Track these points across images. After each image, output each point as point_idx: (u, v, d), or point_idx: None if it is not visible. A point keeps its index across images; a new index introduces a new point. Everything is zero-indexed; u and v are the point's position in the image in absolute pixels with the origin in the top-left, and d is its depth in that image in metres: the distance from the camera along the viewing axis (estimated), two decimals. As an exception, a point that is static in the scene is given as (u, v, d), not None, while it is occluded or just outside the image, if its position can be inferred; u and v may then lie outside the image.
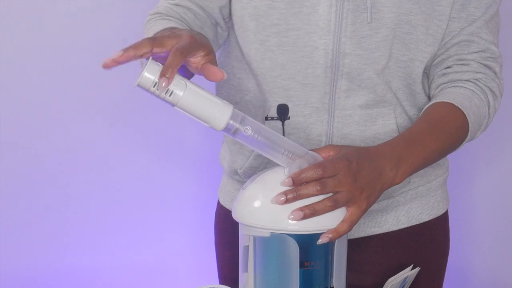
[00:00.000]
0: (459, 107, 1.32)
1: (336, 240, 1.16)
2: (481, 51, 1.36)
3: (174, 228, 2.18)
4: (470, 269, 2.22)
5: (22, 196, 2.12)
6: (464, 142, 1.35)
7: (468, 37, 1.36)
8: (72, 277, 2.15)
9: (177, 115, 1.18)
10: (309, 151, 1.16)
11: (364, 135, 1.37)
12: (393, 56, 1.34)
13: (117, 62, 1.06)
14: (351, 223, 1.16)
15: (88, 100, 2.10)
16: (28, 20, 2.05)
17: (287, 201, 1.13)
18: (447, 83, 1.37)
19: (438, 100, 1.34)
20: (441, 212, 1.49)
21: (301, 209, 1.12)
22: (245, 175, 1.44)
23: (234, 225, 1.22)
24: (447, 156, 1.50)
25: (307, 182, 1.13)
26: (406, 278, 1.32)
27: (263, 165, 1.40)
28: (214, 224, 1.58)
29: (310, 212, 1.12)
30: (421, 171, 1.43)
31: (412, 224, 1.45)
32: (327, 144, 1.36)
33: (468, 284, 2.22)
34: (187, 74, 1.18)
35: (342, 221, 1.15)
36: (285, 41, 1.33)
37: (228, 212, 1.50)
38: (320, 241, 1.13)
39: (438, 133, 1.31)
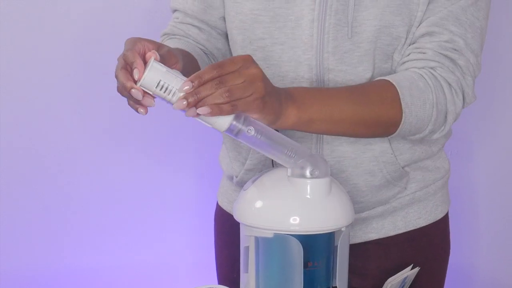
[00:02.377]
0: (393, 82, 1.27)
1: (339, 241, 1.16)
2: (443, 41, 1.30)
3: (174, 228, 2.18)
4: (472, 270, 2.22)
5: (22, 196, 2.11)
6: (403, 125, 1.27)
7: (432, 28, 1.31)
8: (72, 277, 2.15)
9: (177, 115, 1.18)
10: (312, 152, 1.16)
11: (353, 144, 1.36)
12: (376, 67, 1.32)
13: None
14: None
15: (88, 100, 2.09)
16: (28, 20, 2.05)
17: (188, 104, 1.08)
18: (403, 71, 1.33)
19: (376, 78, 1.30)
20: (439, 216, 1.48)
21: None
22: (239, 184, 1.44)
23: (233, 226, 1.22)
24: (447, 158, 1.49)
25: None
26: (405, 278, 1.33)
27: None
28: (214, 225, 1.58)
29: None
30: (419, 176, 1.42)
31: (409, 229, 1.45)
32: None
33: (470, 285, 2.22)
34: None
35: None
36: (270, 55, 1.33)
37: (226, 214, 1.51)
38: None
39: (356, 95, 1.25)
